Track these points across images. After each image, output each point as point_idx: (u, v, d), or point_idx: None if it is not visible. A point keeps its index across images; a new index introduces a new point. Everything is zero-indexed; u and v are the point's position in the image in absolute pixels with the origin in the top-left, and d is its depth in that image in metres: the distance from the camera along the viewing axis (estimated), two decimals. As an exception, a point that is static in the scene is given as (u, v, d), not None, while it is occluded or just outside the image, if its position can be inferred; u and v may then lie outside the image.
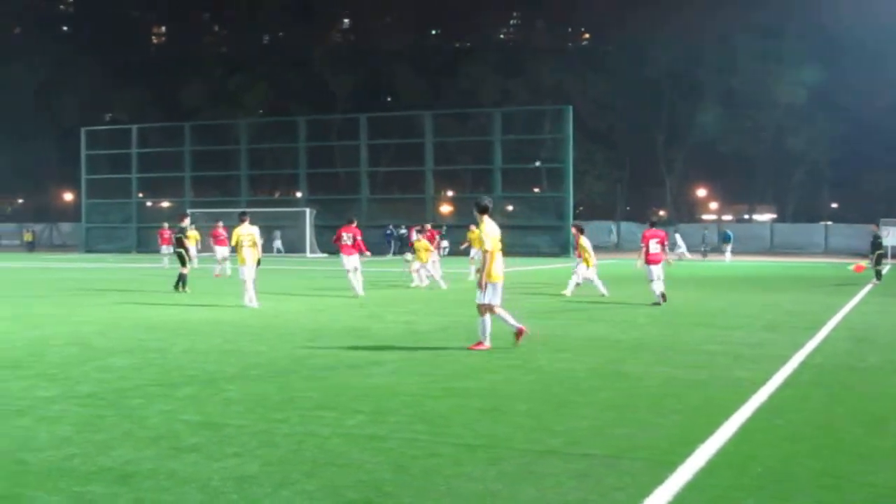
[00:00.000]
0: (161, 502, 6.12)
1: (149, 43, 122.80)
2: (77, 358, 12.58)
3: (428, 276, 28.04)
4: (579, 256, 24.94)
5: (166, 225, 33.50)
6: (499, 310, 13.37)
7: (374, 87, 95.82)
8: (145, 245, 66.83)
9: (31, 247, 77.09)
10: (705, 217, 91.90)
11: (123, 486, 6.41)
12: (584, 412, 8.93)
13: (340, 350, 13.27)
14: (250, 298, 20.67)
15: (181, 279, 25.54)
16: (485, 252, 13.15)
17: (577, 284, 24.74)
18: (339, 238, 24.25)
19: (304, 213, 63.13)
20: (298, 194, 71.40)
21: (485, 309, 13.28)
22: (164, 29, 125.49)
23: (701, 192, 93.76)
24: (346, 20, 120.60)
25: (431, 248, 28.02)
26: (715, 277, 35.75)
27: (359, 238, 24.24)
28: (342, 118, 76.04)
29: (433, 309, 20.39)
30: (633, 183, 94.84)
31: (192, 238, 32.59)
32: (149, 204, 74.44)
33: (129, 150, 72.60)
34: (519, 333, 13.49)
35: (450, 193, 76.67)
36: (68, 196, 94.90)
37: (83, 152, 73.13)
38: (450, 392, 9.98)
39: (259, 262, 21.12)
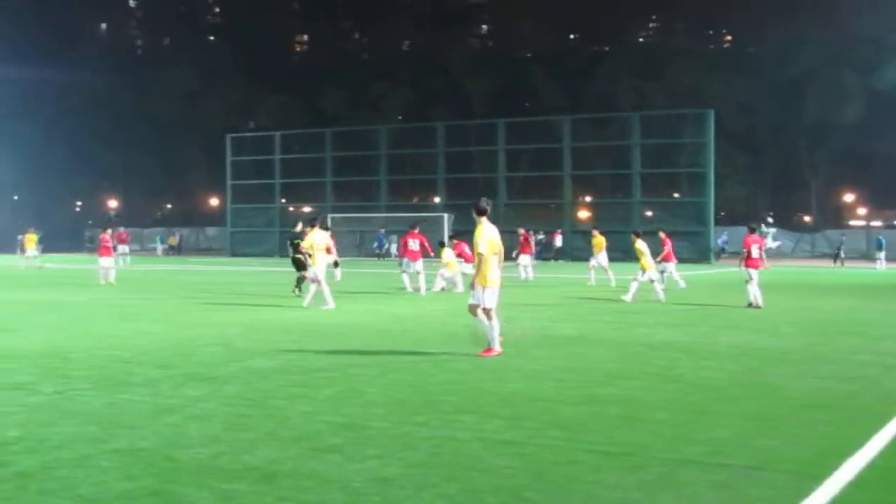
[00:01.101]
0: (304, 502, 6.19)
1: (291, 51, 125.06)
2: (222, 358, 12.96)
3: (448, 282, 28.78)
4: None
5: (109, 232, 34.44)
6: (492, 316, 13.25)
7: (512, 92, 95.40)
8: (287, 250, 68.26)
9: (175, 250, 78.87)
10: (853, 223, 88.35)
11: (267, 485, 6.51)
12: (725, 422, 8.74)
13: (476, 354, 13.31)
14: (325, 300, 21.62)
15: (299, 282, 26.19)
16: (478, 255, 13.12)
17: (659, 284, 25.87)
18: (406, 244, 26.78)
19: (441, 218, 63.04)
20: (436, 199, 72.11)
21: (476, 309, 13.19)
22: (306, 37, 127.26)
23: (848, 197, 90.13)
24: (484, 26, 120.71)
25: (454, 262, 28.68)
26: (865, 286, 34.84)
27: (426, 243, 26.89)
28: (480, 123, 75.45)
29: (565, 314, 20.69)
30: (776, 187, 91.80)
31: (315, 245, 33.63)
32: (291, 209, 75.26)
33: (272, 156, 74.35)
34: (488, 351, 13.30)
35: (588, 199, 75.59)
36: (214, 201, 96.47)
37: (228, 158, 75.14)
38: (587, 399, 9.95)
39: (337, 265, 22.83)
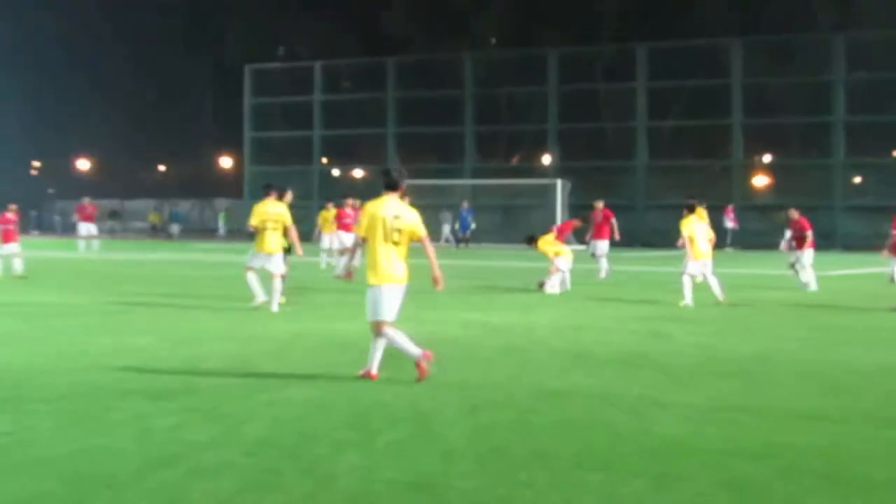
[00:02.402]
0: None
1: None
2: (239, 387, 13.14)
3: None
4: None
5: (14, 209, 34.89)
6: (387, 331, 13.73)
7: (655, 6, 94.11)
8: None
9: (163, 232, 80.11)
10: None
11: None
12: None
13: (612, 382, 13.75)
14: (272, 299, 22.81)
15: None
16: (360, 237, 13.93)
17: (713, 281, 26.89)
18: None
19: (553, 186, 64.69)
20: (546, 160, 73.73)
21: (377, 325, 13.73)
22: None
23: None
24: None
25: (561, 246, 30.09)
26: None
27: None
28: (611, 50, 76.49)
29: (733, 328, 21.01)
30: None
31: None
32: (336, 172, 77.22)
33: (309, 96, 75.93)
34: (366, 375, 13.90)
35: (766, 158, 75.06)
36: (226, 162, 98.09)
37: (247, 100, 76.88)
38: (770, 449, 10.01)
39: (290, 251, 23.95)
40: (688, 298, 25.57)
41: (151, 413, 11.32)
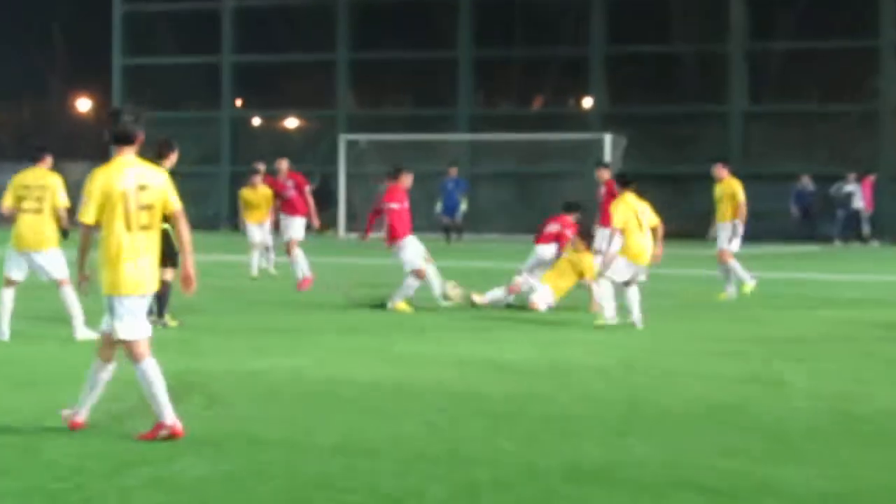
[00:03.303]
0: None
1: None
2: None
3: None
4: None
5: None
6: (146, 364, 13.96)
7: None
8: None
9: None
10: None
11: None
12: None
13: (687, 452, 13.42)
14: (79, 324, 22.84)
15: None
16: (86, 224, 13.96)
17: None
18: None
19: (597, 143, 62.79)
20: (587, 103, 71.31)
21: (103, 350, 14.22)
22: None
23: None
24: None
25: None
26: None
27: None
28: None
29: (874, 365, 21.00)
30: None
31: (261, 197, 38.02)
32: (257, 122, 77.91)
33: (215, 1, 75.86)
34: (70, 421, 14.36)
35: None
36: (83, 104, 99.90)
37: (116, 7, 76.03)
38: None
39: (67, 235, 23.23)
40: (609, 312, 26.13)
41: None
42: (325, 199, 65.23)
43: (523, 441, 13.83)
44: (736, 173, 61.01)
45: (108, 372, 13.80)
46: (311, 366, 19.92)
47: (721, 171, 32.51)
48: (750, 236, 55.67)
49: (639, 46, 68.99)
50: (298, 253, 34.05)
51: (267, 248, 38.72)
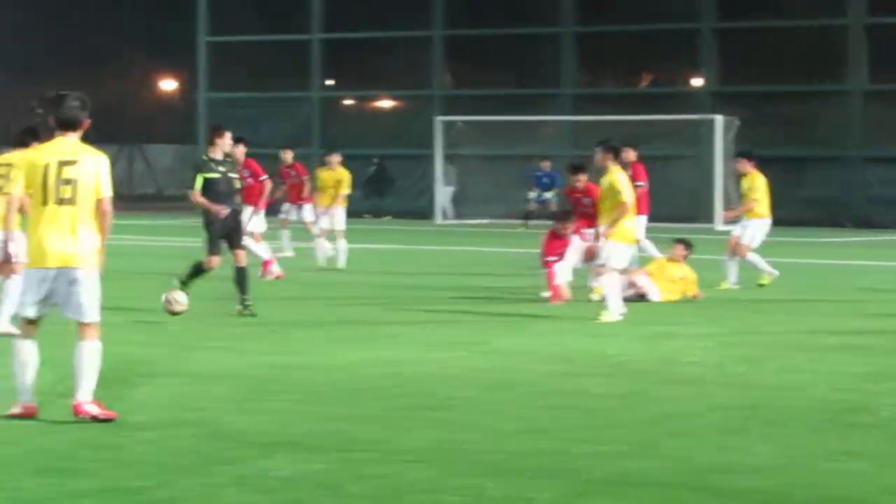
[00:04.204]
0: None
1: None
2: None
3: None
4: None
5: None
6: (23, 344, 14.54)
7: None
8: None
9: None
10: None
11: None
12: None
13: (816, 455, 13.19)
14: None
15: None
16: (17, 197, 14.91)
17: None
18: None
19: (707, 125, 63.68)
20: (696, 82, 70.51)
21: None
22: None
23: None
24: None
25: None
26: None
27: None
28: None
29: None
30: None
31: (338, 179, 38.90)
32: (347, 102, 78.72)
33: None
34: (27, 411, 14.26)
35: None
36: (168, 84, 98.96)
37: None
38: None
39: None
40: (614, 309, 25.86)
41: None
42: (383, 185, 67.74)
43: (635, 443, 13.80)
44: (854, 157, 61.45)
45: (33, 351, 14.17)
46: (407, 360, 19.96)
47: (745, 166, 32.91)
48: (868, 224, 55.65)
49: (751, 22, 69.12)
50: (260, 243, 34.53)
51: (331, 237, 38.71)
